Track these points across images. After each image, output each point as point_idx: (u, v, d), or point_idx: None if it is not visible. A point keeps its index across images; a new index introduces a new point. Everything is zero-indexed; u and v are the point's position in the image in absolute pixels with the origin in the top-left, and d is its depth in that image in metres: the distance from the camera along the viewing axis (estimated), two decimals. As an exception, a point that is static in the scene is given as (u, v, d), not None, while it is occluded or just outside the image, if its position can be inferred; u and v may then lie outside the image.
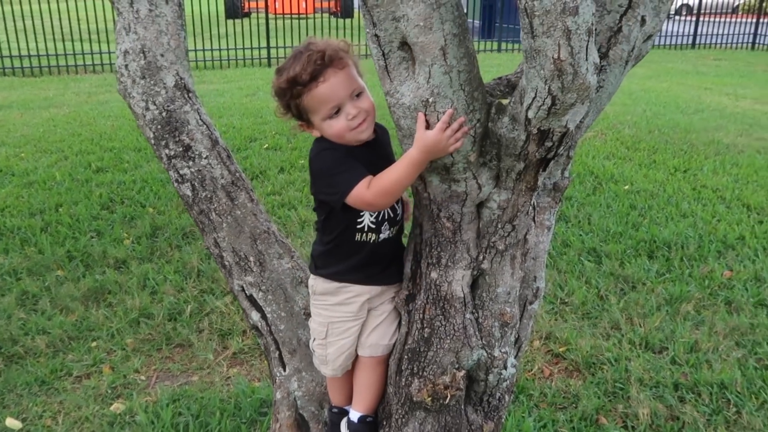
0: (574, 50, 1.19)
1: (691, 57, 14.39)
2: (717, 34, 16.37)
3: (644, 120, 7.49)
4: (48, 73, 12.03)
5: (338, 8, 18.99)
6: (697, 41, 16.40)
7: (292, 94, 1.51)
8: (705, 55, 14.81)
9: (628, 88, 9.73)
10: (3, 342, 3.07)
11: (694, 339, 3.10)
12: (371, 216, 1.62)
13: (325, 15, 17.85)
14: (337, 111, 1.51)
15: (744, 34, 16.43)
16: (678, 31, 16.17)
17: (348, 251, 1.66)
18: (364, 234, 1.64)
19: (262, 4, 16.63)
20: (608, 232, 4.27)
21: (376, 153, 1.57)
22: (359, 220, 1.62)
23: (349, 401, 1.90)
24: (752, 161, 5.86)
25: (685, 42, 16.38)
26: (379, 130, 1.63)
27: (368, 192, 1.48)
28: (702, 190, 5.09)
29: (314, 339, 1.80)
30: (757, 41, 16.46)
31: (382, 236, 1.66)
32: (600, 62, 1.41)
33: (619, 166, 5.72)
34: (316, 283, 1.74)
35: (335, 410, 1.90)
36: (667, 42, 16.14)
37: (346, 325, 1.73)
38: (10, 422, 2.55)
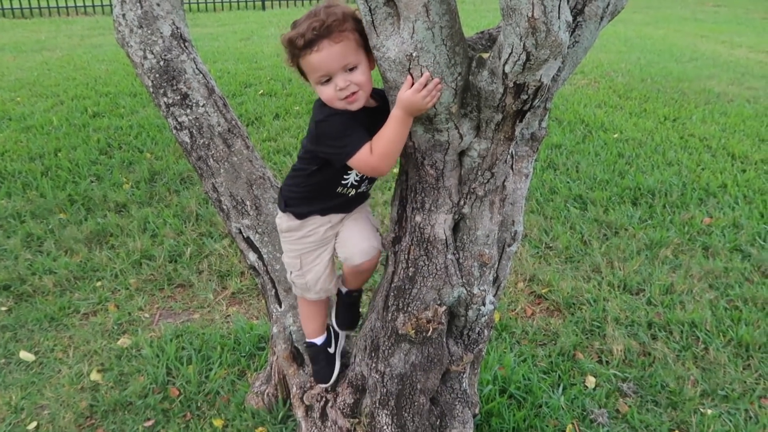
0: (546, 9, 1.28)
1: (691, 3, 14.22)
2: (718, -21, 16.10)
3: (638, 68, 7.51)
4: (39, 15, 11.86)
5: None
6: (698, -14, 16.14)
7: (292, 54, 1.58)
8: (704, 2, 14.63)
9: (624, 35, 9.69)
10: (12, 281, 3.21)
11: (670, 282, 3.26)
12: (357, 175, 1.74)
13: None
14: (329, 79, 1.58)
15: (745, -21, 16.18)
16: (679, -24, 15.90)
17: (323, 198, 1.80)
18: (346, 188, 1.78)
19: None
20: (595, 179, 4.39)
21: (381, 120, 1.60)
22: (345, 176, 1.74)
23: (321, 333, 2.06)
24: (741, 110, 5.94)
25: (685, -13, 16.12)
26: (382, 100, 1.68)
27: (372, 157, 1.58)
28: (689, 139, 5.19)
29: (291, 272, 1.94)
30: (758, -13, 16.21)
31: (359, 191, 1.81)
32: (576, 18, 1.50)
33: (610, 114, 5.79)
34: (281, 221, 1.87)
35: (306, 343, 2.07)
36: (668, -13, 15.89)
37: (315, 252, 1.88)
38: (24, 355, 2.71)
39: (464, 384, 2.02)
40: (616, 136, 5.23)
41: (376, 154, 1.58)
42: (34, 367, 2.68)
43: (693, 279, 3.29)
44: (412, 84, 1.48)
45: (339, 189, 1.78)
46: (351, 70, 1.57)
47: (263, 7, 13.30)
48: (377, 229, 1.92)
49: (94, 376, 2.61)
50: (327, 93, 1.59)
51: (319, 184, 1.77)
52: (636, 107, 6.03)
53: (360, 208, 1.90)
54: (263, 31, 10.16)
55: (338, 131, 1.61)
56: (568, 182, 4.34)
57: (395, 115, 1.53)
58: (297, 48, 1.56)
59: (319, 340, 2.05)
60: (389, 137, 1.56)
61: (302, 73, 1.64)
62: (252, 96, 6.19)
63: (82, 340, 2.83)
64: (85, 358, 2.73)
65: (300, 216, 1.83)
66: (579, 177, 4.43)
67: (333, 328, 2.09)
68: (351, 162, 1.61)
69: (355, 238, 1.85)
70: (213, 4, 13.12)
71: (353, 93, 1.58)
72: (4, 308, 3.04)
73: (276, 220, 1.91)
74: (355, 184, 1.77)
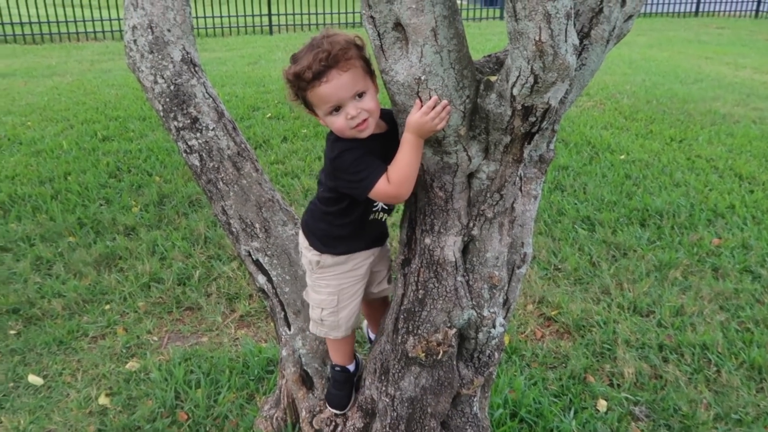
0: (554, 33, 1.29)
1: (694, 25, 14.31)
2: (720, 2, 16.26)
3: (643, 90, 7.54)
4: (50, 41, 12.04)
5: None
6: (701, 9, 16.28)
7: (299, 87, 1.58)
8: (708, 24, 14.73)
9: (629, 57, 9.75)
10: (21, 304, 3.22)
11: (680, 303, 3.23)
12: None
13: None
14: (338, 109, 1.57)
15: (748, 1, 16.33)
16: (682, -2, 16.05)
17: (362, 230, 1.80)
18: (378, 213, 1.79)
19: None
20: (602, 201, 4.39)
21: (395, 143, 1.62)
22: (375, 204, 1.75)
23: (351, 360, 2.05)
24: (747, 131, 5.95)
25: (688, 9, 16.27)
26: (392, 122, 1.69)
27: (390, 186, 1.58)
28: (696, 160, 5.19)
29: (322, 310, 1.90)
30: (760, 9, 16.34)
31: (389, 209, 1.82)
32: (582, 42, 1.51)
33: (616, 135, 5.80)
34: (322, 258, 1.84)
35: (338, 368, 2.05)
36: (670, 9, 16.03)
37: (355, 287, 1.88)
38: (33, 379, 2.71)
39: (475, 408, 2.00)
40: (622, 157, 5.23)
41: (393, 182, 1.58)
42: (42, 391, 2.67)
43: (703, 300, 3.27)
44: (421, 107, 1.50)
45: (372, 216, 1.79)
46: (360, 96, 1.58)
47: (270, 32, 13.47)
48: None
49: (103, 400, 2.60)
50: (338, 123, 1.59)
51: (355, 220, 1.77)
52: (642, 129, 6.04)
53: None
54: (271, 55, 10.28)
55: (352, 167, 1.61)
56: (575, 204, 4.34)
57: (406, 139, 1.54)
58: (305, 81, 1.55)
59: (351, 367, 2.05)
60: (404, 162, 1.57)
61: (308, 106, 1.64)
62: (260, 119, 6.24)
63: (91, 364, 2.82)
64: (94, 381, 2.72)
65: (344, 253, 1.83)
66: (586, 198, 4.43)
67: (356, 355, 2.09)
68: (371, 194, 1.61)
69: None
70: (221, 29, 13.30)
71: (364, 120, 1.58)
72: (13, 332, 3.05)
73: (308, 257, 1.87)
74: (385, 207, 1.79)
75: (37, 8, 12.52)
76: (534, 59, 1.34)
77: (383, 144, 1.65)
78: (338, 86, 1.54)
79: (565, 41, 1.32)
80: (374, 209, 1.77)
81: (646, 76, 8.41)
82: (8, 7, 12.07)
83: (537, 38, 1.30)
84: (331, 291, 1.87)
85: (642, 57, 9.87)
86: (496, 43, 10.92)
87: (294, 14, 13.83)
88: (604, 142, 5.56)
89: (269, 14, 13.49)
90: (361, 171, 1.60)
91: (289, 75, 1.58)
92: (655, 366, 2.81)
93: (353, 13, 14.16)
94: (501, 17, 15.45)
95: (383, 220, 1.83)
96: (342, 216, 1.77)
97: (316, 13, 13.87)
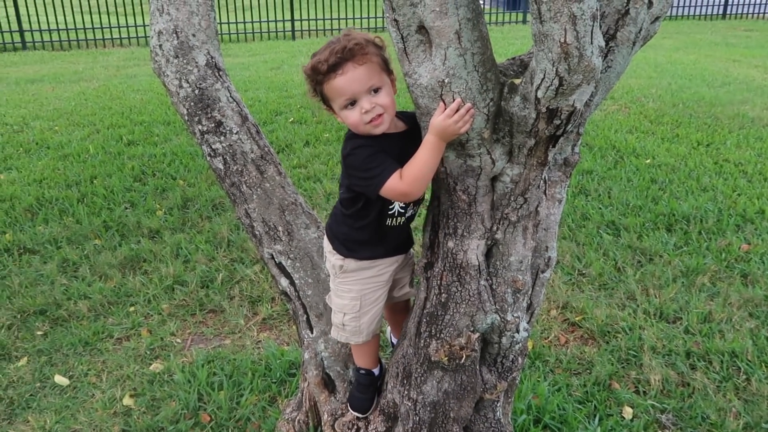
0: (579, 34, 1.28)
1: (721, 28, 14.10)
2: (749, 4, 15.99)
3: (669, 93, 7.44)
4: (77, 47, 12.25)
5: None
6: (728, 11, 16.04)
7: (316, 81, 1.60)
8: (735, 26, 14.50)
9: (654, 61, 9.63)
10: (48, 306, 3.27)
11: (708, 310, 3.18)
12: (401, 203, 1.74)
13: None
14: (353, 103, 1.59)
15: (778, 3, 16.04)
16: (708, 1, 15.82)
17: (380, 235, 1.79)
18: (394, 219, 1.77)
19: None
20: (628, 205, 4.33)
21: (411, 144, 1.62)
22: (390, 206, 1.74)
23: (376, 363, 2.04)
24: (777, 135, 5.83)
25: (715, 12, 16.04)
26: (414, 123, 1.69)
27: (402, 183, 1.57)
28: (724, 164, 5.10)
29: (344, 314, 1.89)
30: (791, 10, 16.06)
31: (407, 215, 1.80)
32: (608, 44, 1.49)
33: (642, 139, 5.73)
34: (346, 263, 1.84)
35: (363, 371, 2.04)
36: (697, 12, 15.82)
37: (377, 293, 1.87)
38: (59, 379, 2.75)
39: (498, 413, 1.99)
40: (648, 161, 5.17)
41: (406, 179, 1.57)
42: (68, 391, 2.71)
43: (732, 307, 3.21)
44: (445, 110, 1.49)
45: (389, 221, 1.77)
46: (375, 91, 1.58)
47: (293, 37, 13.56)
48: None
49: (127, 400, 2.62)
50: (352, 117, 1.60)
51: (371, 224, 1.76)
52: (668, 133, 5.96)
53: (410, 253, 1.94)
54: (293, 60, 10.34)
55: (365, 163, 1.61)
56: (600, 208, 4.29)
57: (428, 140, 1.54)
58: (321, 73, 1.57)
59: (376, 370, 2.04)
60: (421, 162, 1.56)
61: (325, 101, 1.65)
62: (282, 124, 6.27)
63: (116, 365, 2.85)
64: (118, 382, 2.75)
65: (368, 258, 1.83)
66: (611, 203, 4.38)
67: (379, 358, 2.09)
68: (382, 191, 1.60)
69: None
70: (245, 35, 13.42)
71: (379, 115, 1.59)
72: (40, 332, 3.09)
73: (332, 261, 1.87)
74: (402, 211, 1.76)
75: (64, 15, 12.76)
76: (559, 61, 1.32)
77: (399, 144, 1.65)
78: (353, 79, 1.55)
79: (591, 43, 1.30)
80: (390, 212, 1.75)
81: (672, 79, 8.30)
82: (37, 15, 12.31)
83: (562, 40, 1.29)
84: (353, 296, 1.86)
85: (668, 60, 9.75)
86: (519, 47, 10.86)
87: (317, 19, 13.91)
88: (629, 146, 5.49)
89: (292, 20, 13.59)
90: (373, 168, 1.60)
91: (307, 69, 1.61)
92: (682, 373, 2.76)
93: (375, 17, 14.20)
94: (524, 21, 15.38)
95: (402, 225, 1.81)
96: (359, 218, 1.77)
97: (339, 18, 13.94)
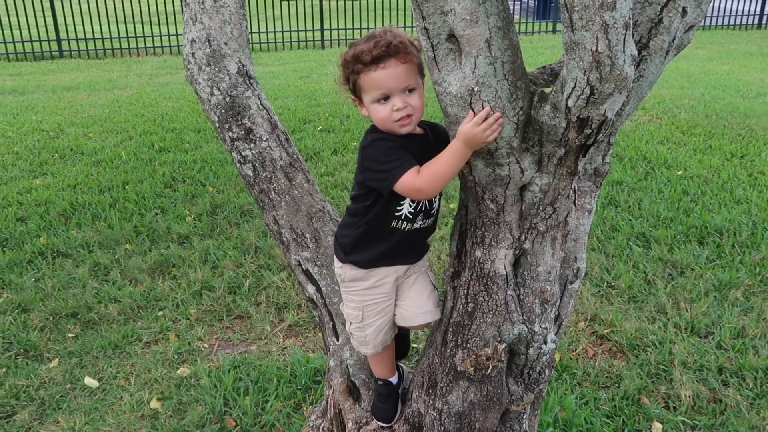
0: (611, 43, 1.26)
1: (757, 38, 13.84)
2: (786, 13, 15.66)
3: (702, 104, 7.32)
4: (111, 56, 12.50)
5: (392, -11, 18.88)
6: (764, 21, 15.74)
7: (353, 70, 1.60)
8: (772, 36, 14.22)
9: (686, 71, 9.50)
10: (80, 309, 3.33)
11: (741, 325, 3.11)
12: (410, 206, 1.71)
13: (379, -4, 17.80)
14: (386, 99, 1.59)
15: (815, 12, 15.69)
16: (744, 10, 15.55)
17: (379, 236, 1.75)
18: (400, 221, 1.73)
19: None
20: (658, 217, 4.26)
21: (428, 150, 1.62)
22: (399, 207, 1.71)
23: (393, 372, 2.03)
24: (814, 147, 5.70)
25: (751, 22, 15.74)
26: (433, 132, 1.69)
27: (418, 178, 1.56)
28: (759, 177, 5.00)
29: (350, 323, 1.89)
30: (829, 20, 15.69)
31: (415, 226, 1.75)
32: (640, 53, 1.47)
33: (673, 151, 5.65)
34: (343, 271, 1.82)
35: (381, 382, 2.03)
36: (732, 22, 15.56)
37: (380, 306, 1.84)
38: (89, 381, 2.79)
39: (524, 425, 1.96)
40: (680, 173, 5.08)
41: (423, 175, 1.56)
42: (97, 393, 2.75)
43: (766, 323, 3.13)
44: (474, 118, 1.49)
45: (394, 223, 1.73)
46: (410, 92, 1.59)
47: (322, 47, 13.67)
48: (437, 289, 1.89)
49: (154, 404, 2.65)
50: (382, 112, 1.60)
51: (373, 222, 1.73)
52: (700, 144, 5.86)
53: (422, 264, 1.87)
54: (322, 69, 10.42)
55: (383, 155, 1.60)
56: (630, 220, 4.23)
57: (454, 145, 1.53)
58: (362, 63, 1.57)
59: (394, 379, 2.02)
60: (443, 163, 1.55)
61: (355, 92, 1.65)
62: (311, 132, 6.32)
63: (144, 368, 2.89)
64: (146, 386, 2.78)
65: (364, 265, 1.79)
66: (641, 214, 4.31)
67: (399, 366, 2.07)
68: (397, 185, 1.58)
69: (419, 299, 1.82)
70: (275, 44, 13.56)
71: (408, 116, 1.59)
72: (71, 335, 3.15)
73: (336, 269, 1.87)
74: (410, 216, 1.73)
75: (100, 25, 13.04)
76: (590, 70, 1.31)
77: (418, 146, 1.64)
78: (393, 75, 1.56)
79: (623, 52, 1.29)
80: (397, 213, 1.71)
81: (705, 89, 8.17)
82: (74, 24, 12.61)
83: (594, 48, 1.28)
84: (355, 306, 1.85)
85: (700, 70, 9.60)
86: (549, 57, 10.80)
87: (346, 29, 14.01)
88: (660, 157, 5.41)
89: (321, 29, 13.70)
90: (391, 161, 1.59)
91: (348, 56, 1.60)
92: (714, 389, 2.70)
93: (404, 27, 14.25)
94: (553, 30, 15.29)
95: (407, 232, 1.75)
96: (364, 215, 1.74)
97: (368, 28, 14.01)
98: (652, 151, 5.59)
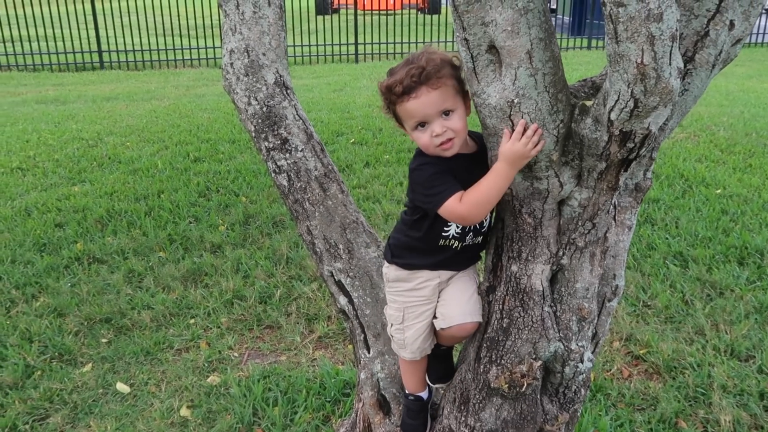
0: (657, 55, 1.24)
1: (799, 55, 13.54)
2: (830, 31, 15.31)
3: (741, 122, 7.16)
4: (150, 67, 12.77)
5: (426, 4, 18.99)
6: (807, 38, 15.41)
7: (390, 100, 1.60)
8: (815, 53, 13.90)
9: (725, 88, 9.32)
10: (113, 314, 3.37)
11: (784, 349, 3.00)
12: (458, 227, 1.70)
13: (413, 11, 17.94)
14: (424, 125, 1.58)
15: None
16: (785, 28, 15.23)
17: (430, 250, 1.76)
18: (448, 240, 1.73)
19: (350, 0, 16.94)
20: (696, 236, 4.16)
21: (479, 167, 1.61)
22: (446, 228, 1.71)
23: (423, 387, 2.00)
24: None
25: (792, 39, 15.42)
26: (483, 144, 1.67)
27: (461, 206, 1.56)
28: (801, 197, 4.85)
29: (391, 324, 1.89)
30: None
31: (464, 244, 1.75)
32: (686, 66, 1.44)
33: (712, 169, 5.52)
34: (389, 270, 1.84)
35: (411, 397, 2.01)
36: (773, 39, 15.26)
37: (420, 308, 1.83)
38: (120, 386, 2.82)
39: (558, 445, 1.91)
40: (718, 191, 4.97)
41: (465, 202, 1.55)
42: (128, 399, 2.77)
43: (810, 347, 3.02)
44: (511, 136, 1.46)
45: (441, 242, 1.73)
46: (447, 114, 1.58)
47: (356, 60, 13.76)
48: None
49: (184, 411, 2.66)
50: (423, 139, 1.60)
51: (424, 236, 1.74)
52: (740, 162, 5.72)
53: (470, 270, 1.85)
54: (356, 83, 10.49)
55: (429, 180, 1.61)
56: (667, 238, 4.14)
57: (497, 167, 1.51)
58: (395, 95, 1.57)
59: (424, 394, 2.00)
60: (485, 188, 1.54)
61: (398, 120, 1.66)
62: (344, 144, 6.34)
63: (175, 376, 2.91)
64: (177, 393, 2.79)
65: (407, 267, 1.80)
66: (679, 233, 4.22)
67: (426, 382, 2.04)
68: (440, 211, 1.59)
69: (461, 299, 1.79)
70: (309, 57, 13.70)
71: (449, 140, 1.58)
72: (104, 340, 3.19)
73: (383, 269, 1.89)
74: (457, 236, 1.72)
75: (140, 37, 13.34)
76: (635, 82, 1.28)
77: (468, 165, 1.63)
78: (426, 103, 1.55)
79: (669, 64, 1.26)
80: (444, 233, 1.71)
81: (745, 107, 7.99)
82: (115, 36, 12.93)
83: (639, 61, 1.25)
84: (397, 307, 1.85)
85: (740, 88, 9.41)
86: (583, 72, 10.70)
87: (380, 43, 14.09)
88: (699, 176, 5.30)
89: (356, 43, 13.81)
90: (435, 186, 1.59)
91: (382, 87, 1.61)
92: (755, 415, 2.61)
93: (438, 42, 14.28)
94: (588, 47, 15.17)
95: (458, 250, 1.75)
96: (414, 229, 1.75)
97: (401, 42, 14.08)
98: (690, 169, 5.47)
